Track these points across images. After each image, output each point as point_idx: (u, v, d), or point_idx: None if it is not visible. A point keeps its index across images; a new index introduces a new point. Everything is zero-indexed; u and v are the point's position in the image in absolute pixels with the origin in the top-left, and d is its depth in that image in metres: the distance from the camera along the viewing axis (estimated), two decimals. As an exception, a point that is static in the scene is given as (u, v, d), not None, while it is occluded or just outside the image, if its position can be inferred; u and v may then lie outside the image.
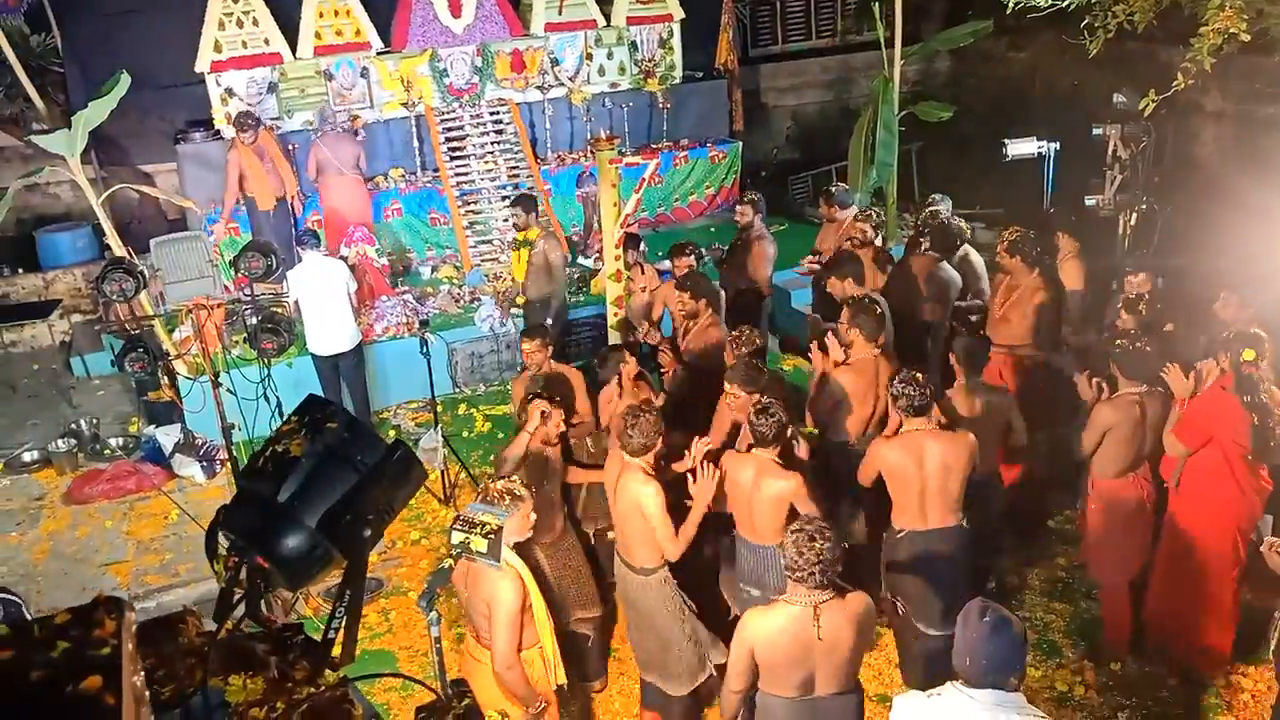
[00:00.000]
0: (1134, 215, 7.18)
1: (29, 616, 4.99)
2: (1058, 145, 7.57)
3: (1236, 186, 8.29)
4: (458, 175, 10.34)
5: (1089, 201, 7.38)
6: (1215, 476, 4.69)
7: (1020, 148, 7.62)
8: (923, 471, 4.48)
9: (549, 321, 7.46)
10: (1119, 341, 4.84)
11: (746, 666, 3.61)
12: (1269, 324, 4.87)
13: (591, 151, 9.60)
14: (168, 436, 7.65)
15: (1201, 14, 5.65)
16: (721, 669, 4.14)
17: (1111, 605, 5.20)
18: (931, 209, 7.23)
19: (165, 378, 7.66)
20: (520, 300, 8.34)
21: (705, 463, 4.41)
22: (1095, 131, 7.30)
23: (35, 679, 1.05)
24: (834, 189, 7.81)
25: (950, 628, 3.17)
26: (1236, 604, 4.94)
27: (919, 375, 4.55)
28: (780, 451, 4.44)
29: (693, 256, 6.89)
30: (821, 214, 7.66)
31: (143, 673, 1.32)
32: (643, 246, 7.65)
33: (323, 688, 2.02)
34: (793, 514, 4.31)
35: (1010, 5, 6.89)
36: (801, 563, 3.38)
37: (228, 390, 6.32)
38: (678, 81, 11.50)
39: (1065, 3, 6.63)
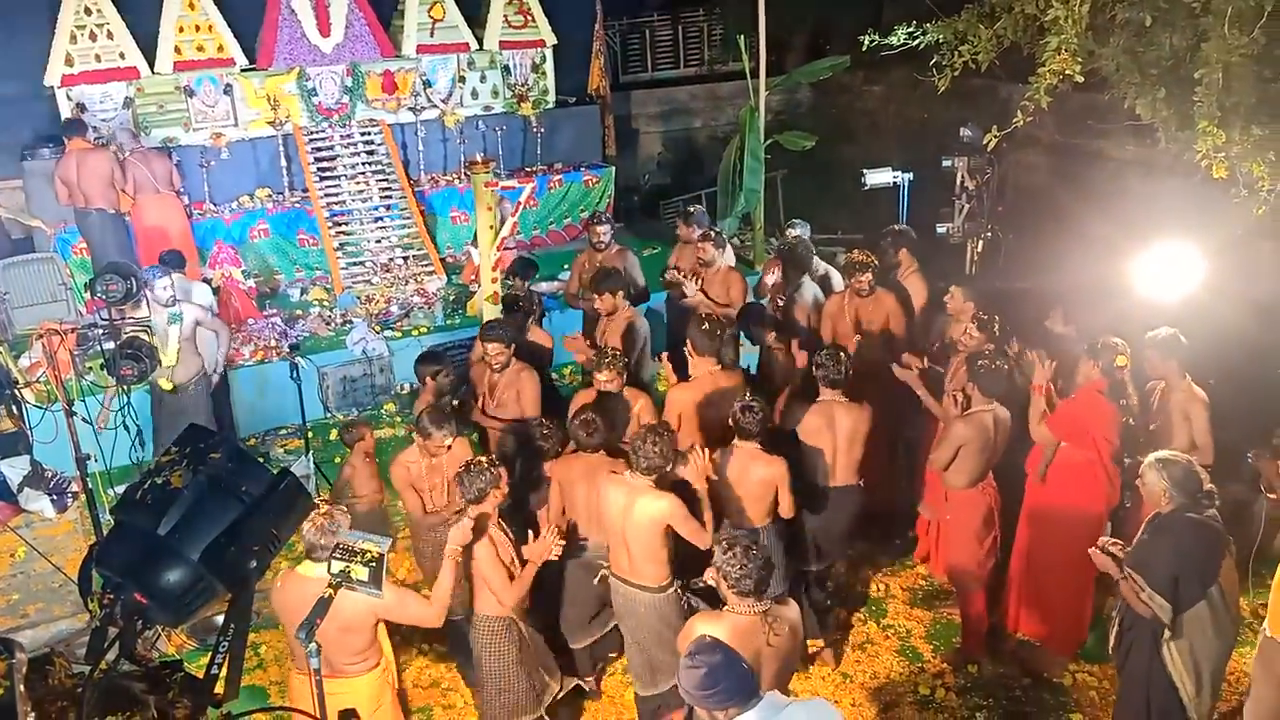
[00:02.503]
0: (980, 242, 7.64)
1: None
2: (911, 175, 7.98)
3: (1070, 213, 8.94)
4: (328, 196, 10.16)
5: (940, 230, 7.81)
6: (1083, 471, 5.09)
7: (877, 177, 8.01)
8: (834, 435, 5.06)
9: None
10: (980, 362, 5.15)
11: None
12: (1096, 337, 5.28)
13: (467, 174, 9.59)
14: (13, 469, 7.21)
15: (1039, 55, 6.06)
16: None
17: (969, 608, 5.50)
18: (790, 233, 7.50)
19: (11, 407, 7.23)
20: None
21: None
22: (944, 163, 7.75)
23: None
24: (692, 210, 7.98)
25: None
26: (1093, 590, 5.34)
27: (841, 352, 5.22)
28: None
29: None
30: (679, 234, 7.80)
31: (33, 715, 1.30)
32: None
33: (207, 724, 2.00)
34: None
35: (866, 43, 7.26)
36: (747, 574, 3.49)
37: (82, 419, 6.04)
38: (551, 106, 11.61)
39: (915, 42, 7.03)
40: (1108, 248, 6.60)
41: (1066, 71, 5.87)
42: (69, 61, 9.16)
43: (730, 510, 4.93)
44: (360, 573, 3.52)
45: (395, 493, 5.48)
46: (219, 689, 2.08)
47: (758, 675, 3.50)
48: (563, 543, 4.49)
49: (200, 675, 2.14)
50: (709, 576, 3.72)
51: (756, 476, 4.84)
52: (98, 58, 9.29)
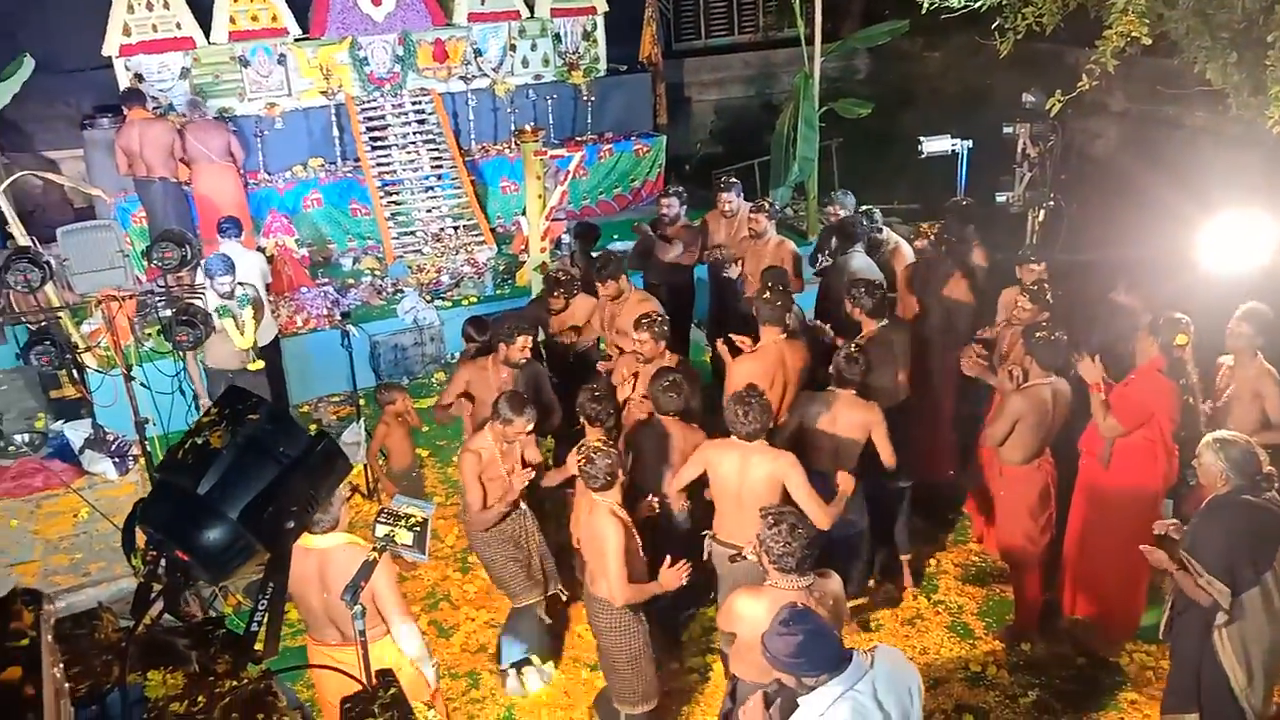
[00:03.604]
0: (1042, 211, 7.41)
1: None
2: (970, 143, 7.77)
3: (1138, 183, 8.64)
4: (379, 165, 10.21)
5: (999, 198, 7.59)
6: (1142, 450, 4.94)
7: (935, 145, 7.80)
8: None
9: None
10: (1037, 334, 5.01)
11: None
12: (1160, 312, 5.10)
13: (516, 143, 9.56)
14: (77, 432, 7.39)
15: (1106, 17, 5.85)
16: None
17: (1022, 586, 5.39)
18: (829, 209, 7.35)
19: (73, 372, 7.41)
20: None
21: None
22: (1006, 130, 7.51)
23: (-48, 672, 1.03)
24: (733, 180, 7.82)
25: None
26: (1149, 569, 5.20)
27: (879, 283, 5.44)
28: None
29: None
30: (719, 205, 7.60)
31: (62, 665, 1.30)
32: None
33: (245, 681, 2.00)
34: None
35: (925, 6, 7.06)
36: (791, 552, 3.46)
37: (140, 384, 6.16)
38: (602, 74, 11.53)
39: (977, 4, 6.81)
40: (1175, 219, 6.37)
41: (1133, 34, 5.66)
42: (127, 31, 9.28)
43: (822, 457, 4.96)
44: (404, 537, 3.53)
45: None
46: (259, 646, 2.09)
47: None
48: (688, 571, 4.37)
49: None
50: (750, 551, 3.68)
51: (855, 421, 4.96)
52: (155, 28, 9.40)
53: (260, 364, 6.74)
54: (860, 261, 6.73)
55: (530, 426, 4.75)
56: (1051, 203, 7.46)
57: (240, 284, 6.57)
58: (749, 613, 3.62)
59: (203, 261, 6.65)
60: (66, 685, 1.39)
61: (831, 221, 7.25)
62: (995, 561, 5.89)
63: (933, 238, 6.17)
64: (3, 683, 1.02)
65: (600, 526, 4.17)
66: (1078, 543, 5.29)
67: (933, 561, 6.08)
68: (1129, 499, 5.01)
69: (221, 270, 6.46)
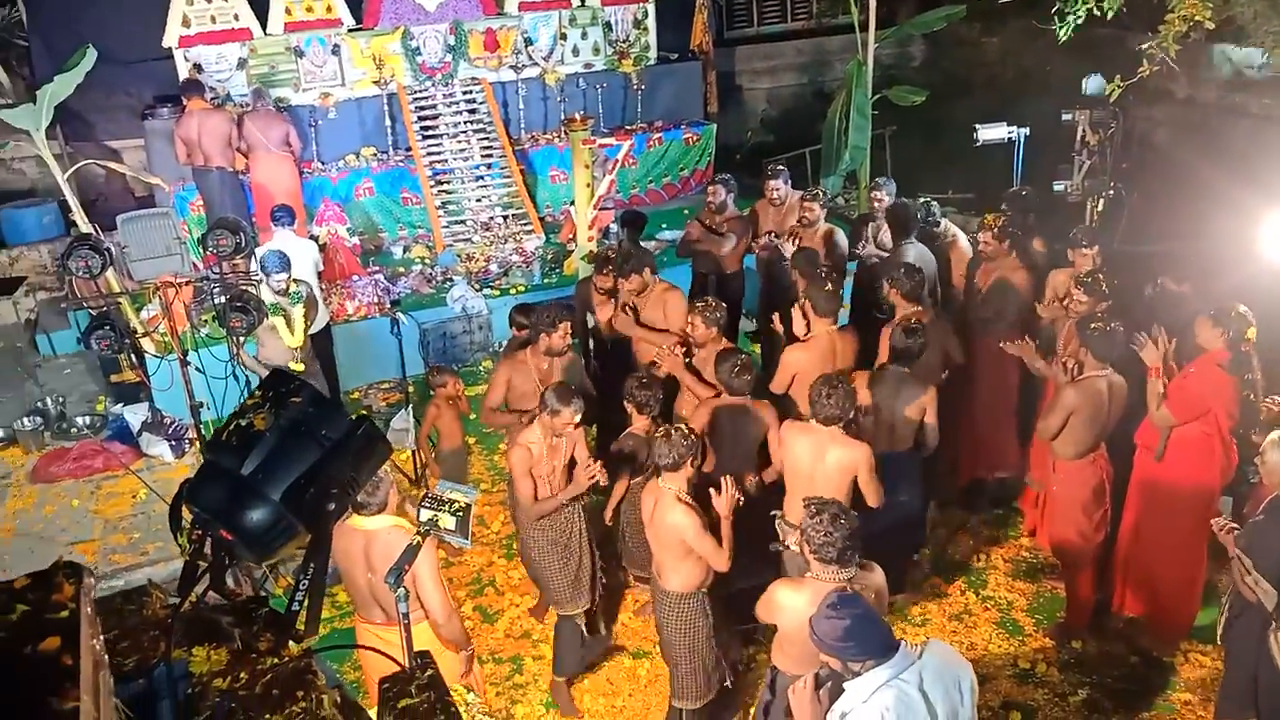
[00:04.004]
0: (1101, 200, 7.25)
1: None
2: (1027, 130, 7.62)
3: (1201, 173, 8.40)
4: (430, 154, 10.28)
5: (1057, 187, 7.45)
6: (1199, 445, 4.83)
7: (990, 133, 7.66)
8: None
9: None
10: (1092, 325, 4.89)
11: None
12: (1221, 303, 4.95)
13: (565, 132, 9.58)
14: (135, 415, 7.58)
15: (1169, 1, 5.69)
16: None
17: (1075, 583, 5.29)
18: (875, 195, 7.24)
19: (131, 356, 7.58)
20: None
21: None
22: (1065, 117, 7.36)
23: (-6, 641, 1.05)
24: (780, 167, 7.73)
25: None
26: (1205, 568, 5.09)
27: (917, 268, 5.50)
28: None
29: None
30: (768, 193, 7.51)
31: (102, 637, 1.33)
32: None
33: (286, 659, 2.03)
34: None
35: (983, -10, 6.94)
36: (831, 543, 3.44)
37: (196, 369, 6.29)
38: (652, 63, 11.48)
39: (1037, -12, 6.69)
40: (1239, 210, 6.18)
41: (1197, 18, 5.51)
42: (186, 23, 9.44)
43: (879, 434, 4.98)
44: (447, 521, 3.57)
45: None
46: (300, 625, 2.11)
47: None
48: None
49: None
50: (793, 541, 3.65)
51: (913, 400, 5.02)
52: (213, 19, 9.56)
53: (302, 366, 6.56)
54: (916, 252, 6.65)
55: (579, 417, 4.66)
56: (1111, 191, 7.29)
57: (296, 280, 6.62)
58: (789, 603, 3.60)
59: (258, 255, 6.69)
60: (106, 657, 1.41)
61: (875, 210, 7.14)
62: (1047, 557, 5.78)
63: (996, 229, 6.05)
64: (41, 652, 1.04)
65: (671, 517, 4.14)
66: (1131, 538, 5.18)
67: (982, 556, 5.99)
68: (1184, 494, 4.89)
69: (277, 267, 6.42)
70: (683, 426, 4.29)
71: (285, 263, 6.46)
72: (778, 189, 7.38)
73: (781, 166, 7.68)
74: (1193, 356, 4.91)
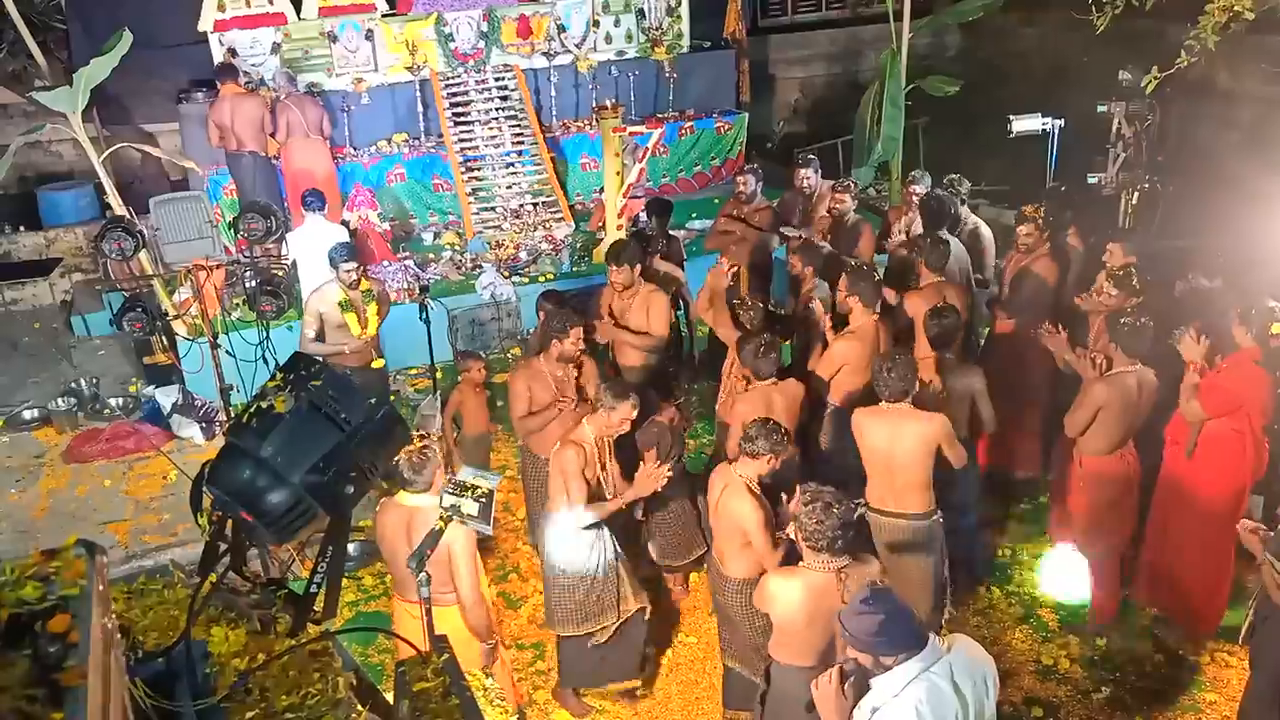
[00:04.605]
0: (1136, 194, 7.15)
1: None
2: (1062, 122, 7.52)
3: (1241, 167, 8.24)
4: (462, 141, 10.30)
5: (1091, 179, 7.36)
6: (1230, 442, 4.77)
7: (1024, 124, 7.58)
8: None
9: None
10: (1122, 320, 4.83)
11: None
12: (1250, 300, 4.89)
13: (596, 120, 9.56)
14: (167, 397, 7.67)
15: (1209, -9, 5.59)
16: None
17: (1101, 579, 5.23)
18: (912, 189, 7.18)
19: (163, 338, 7.66)
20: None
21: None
22: (1100, 108, 7.26)
23: (4, 617, 1.07)
24: (811, 157, 7.67)
25: None
26: (1233, 566, 5.02)
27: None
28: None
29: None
30: (799, 182, 7.45)
31: (114, 615, 1.35)
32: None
33: (303, 640, 2.05)
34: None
35: (1020, -21, 6.84)
36: (821, 531, 3.44)
37: (226, 352, 6.35)
38: (685, 51, 11.43)
39: (1076, -22, 6.58)
40: (1277, 205, 6.07)
41: (1236, 8, 5.40)
42: (221, 7, 9.52)
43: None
44: (470, 508, 3.57)
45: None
46: (318, 607, 2.13)
47: (832, 635, 3.49)
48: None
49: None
50: (790, 530, 3.64)
51: (963, 386, 5.08)
52: (248, 3, 9.63)
53: (381, 361, 6.55)
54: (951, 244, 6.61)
55: (635, 413, 4.54)
56: (1146, 185, 7.18)
57: (369, 277, 6.48)
58: (782, 594, 3.60)
59: (326, 251, 6.42)
60: (119, 636, 1.43)
61: (910, 202, 7.09)
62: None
63: (1040, 220, 5.99)
64: (51, 630, 1.05)
65: (737, 506, 4.12)
66: (1159, 535, 5.11)
67: (1007, 551, 5.94)
68: (1213, 491, 4.83)
69: (344, 256, 6.28)
70: (774, 420, 4.28)
71: (352, 252, 6.40)
72: (808, 178, 7.33)
73: (812, 156, 7.63)
74: (1227, 352, 4.84)
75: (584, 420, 4.66)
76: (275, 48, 9.82)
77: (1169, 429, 4.98)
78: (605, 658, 4.84)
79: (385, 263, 8.98)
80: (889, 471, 4.63)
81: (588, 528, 4.57)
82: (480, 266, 9.07)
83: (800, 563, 3.58)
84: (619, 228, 8.08)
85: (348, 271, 6.23)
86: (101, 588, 1.21)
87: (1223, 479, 4.81)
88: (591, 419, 4.60)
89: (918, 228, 6.95)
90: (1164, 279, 5.84)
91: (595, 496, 4.58)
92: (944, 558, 4.81)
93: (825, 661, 3.62)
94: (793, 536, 3.65)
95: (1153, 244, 7.04)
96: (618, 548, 4.76)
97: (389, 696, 2.39)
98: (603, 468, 4.66)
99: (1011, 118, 7.68)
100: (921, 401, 4.72)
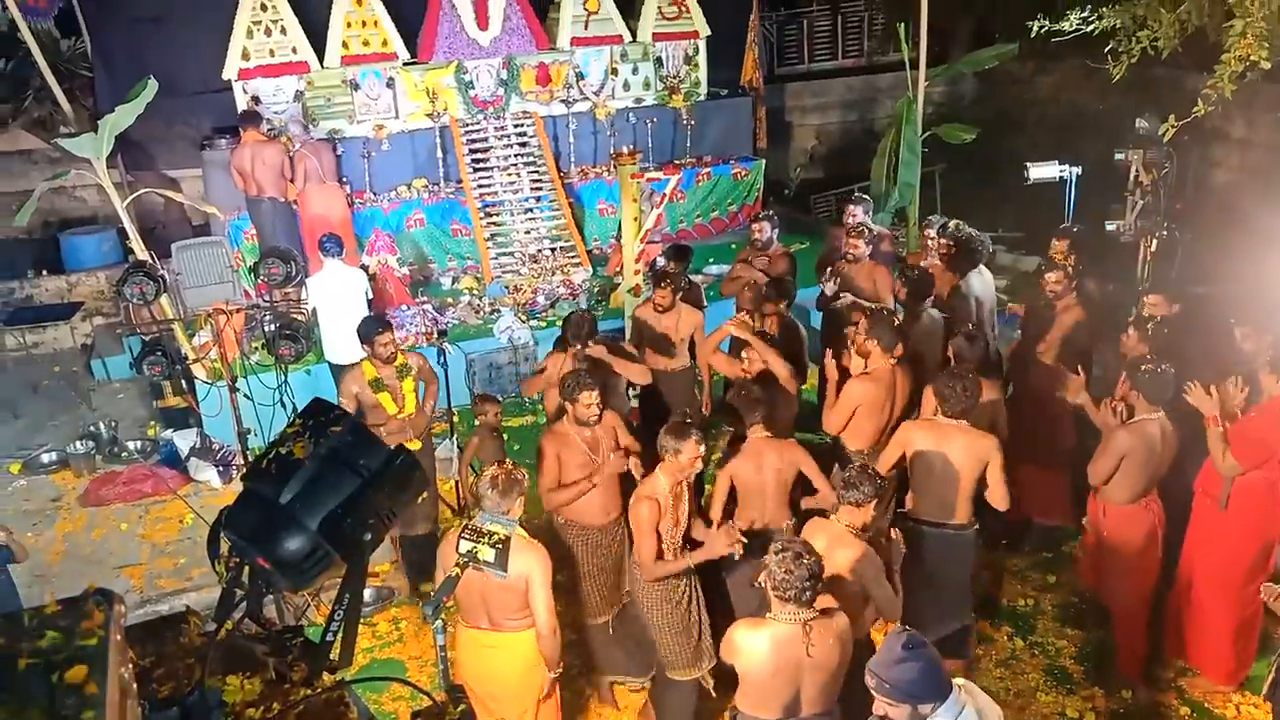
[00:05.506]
0: (1154, 241, 7.12)
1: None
2: (1079, 169, 7.53)
3: (1259, 215, 8.22)
4: (480, 187, 10.41)
5: (1109, 226, 7.34)
6: (1260, 492, 4.70)
7: (1042, 171, 7.59)
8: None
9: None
10: (1143, 367, 4.79)
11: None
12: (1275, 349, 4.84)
13: (614, 166, 9.64)
14: (184, 440, 7.69)
15: (1225, 41, 5.61)
16: None
17: (1126, 631, 5.14)
18: (928, 232, 7.18)
19: (181, 382, 7.70)
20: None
21: None
22: (1117, 156, 7.26)
23: (23, 667, 1.06)
24: (865, 196, 7.73)
25: None
26: (1261, 617, 4.95)
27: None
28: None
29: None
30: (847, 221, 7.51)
31: (131, 665, 1.33)
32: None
33: (319, 689, 2.02)
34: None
35: (1036, 29, 6.89)
36: (790, 581, 3.40)
37: (244, 395, 6.37)
38: (702, 98, 11.56)
39: (1090, 28, 6.62)
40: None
41: (1252, 58, 5.42)
42: (245, 56, 9.69)
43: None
44: (486, 554, 3.56)
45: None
46: (334, 655, 2.11)
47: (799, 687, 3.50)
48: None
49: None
50: (760, 578, 3.57)
51: (985, 405, 5.09)
52: (272, 52, 9.79)
53: (418, 443, 5.89)
54: (980, 282, 6.62)
55: (703, 448, 4.38)
56: (1165, 232, 7.16)
57: (408, 349, 6.10)
58: (747, 645, 3.53)
59: (357, 327, 5.94)
60: (135, 686, 1.41)
61: (928, 248, 7.10)
62: (1097, 603, 5.62)
63: (1069, 269, 6.00)
64: (69, 680, 1.04)
65: (846, 556, 3.98)
66: (1188, 587, 5.02)
67: (1030, 601, 5.85)
68: (1244, 543, 4.76)
69: (376, 329, 5.67)
70: (869, 466, 4.26)
71: (384, 324, 5.81)
72: (853, 214, 7.38)
73: (866, 197, 7.70)
74: (1255, 401, 4.79)
75: (657, 471, 4.45)
76: (298, 95, 9.98)
77: (1199, 480, 4.89)
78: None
79: (404, 307, 9.03)
80: (937, 486, 4.69)
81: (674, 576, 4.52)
82: (498, 311, 9.11)
83: (768, 614, 3.52)
84: (636, 273, 8.10)
85: (384, 346, 5.65)
86: (119, 637, 1.19)
87: (1254, 530, 4.74)
88: (664, 468, 4.41)
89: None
90: (1185, 325, 5.80)
91: (673, 546, 4.48)
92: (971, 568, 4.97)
93: (789, 713, 3.57)
94: (761, 584, 3.59)
95: (1171, 290, 7.01)
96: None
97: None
98: (676, 524, 4.46)
99: (1028, 165, 7.69)
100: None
